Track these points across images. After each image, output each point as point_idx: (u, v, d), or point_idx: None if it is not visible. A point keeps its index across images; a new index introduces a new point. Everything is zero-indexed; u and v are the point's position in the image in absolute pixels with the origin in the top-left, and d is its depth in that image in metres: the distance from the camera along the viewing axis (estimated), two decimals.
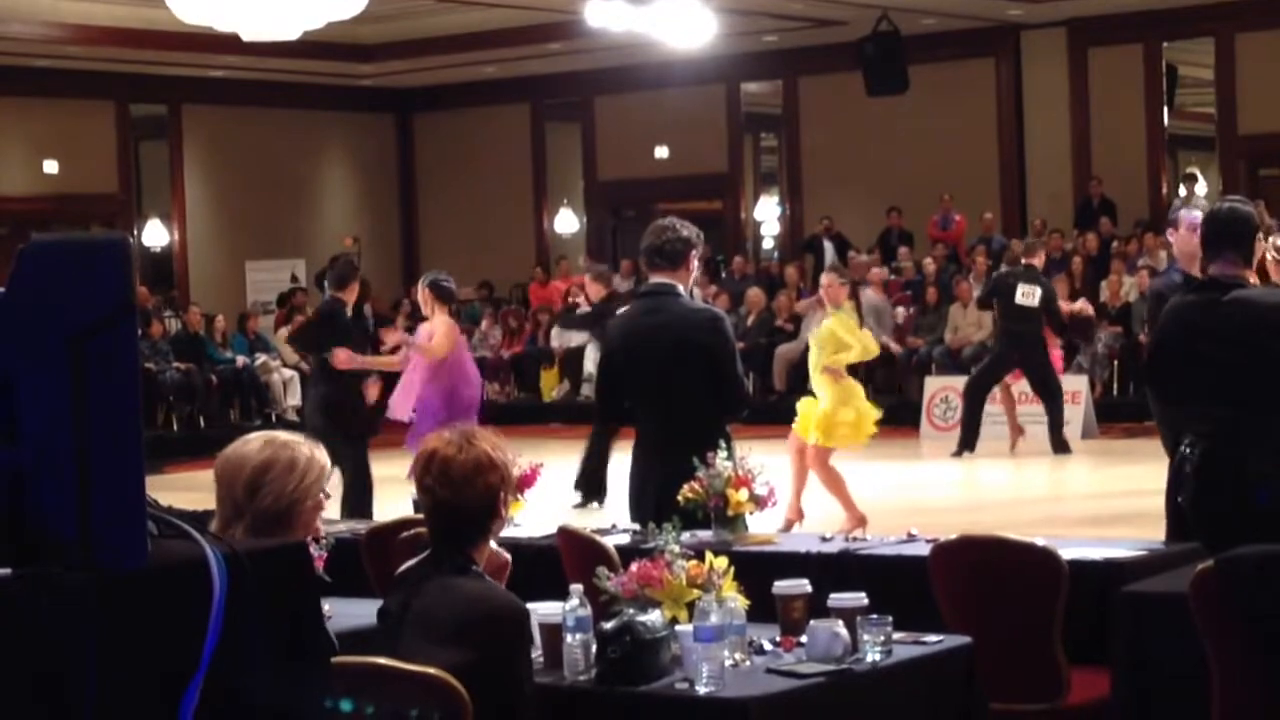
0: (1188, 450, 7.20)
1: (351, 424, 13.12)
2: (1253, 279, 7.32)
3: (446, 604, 4.71)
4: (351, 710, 3.32)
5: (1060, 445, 18.77)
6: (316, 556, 6.12)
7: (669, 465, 7.54)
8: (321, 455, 4.84)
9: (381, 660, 4.65)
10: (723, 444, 7.60)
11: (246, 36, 19.16)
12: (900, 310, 24.55)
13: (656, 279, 8.08)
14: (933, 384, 21.97)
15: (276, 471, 4.72)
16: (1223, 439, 7.05)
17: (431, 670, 4.54)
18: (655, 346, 7.90)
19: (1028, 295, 18.20)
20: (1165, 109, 26.33)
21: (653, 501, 7.61)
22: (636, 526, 7.71)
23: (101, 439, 3.29)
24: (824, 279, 14.09)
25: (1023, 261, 18.61)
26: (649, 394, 7.97)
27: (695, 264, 8.17)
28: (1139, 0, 24.43)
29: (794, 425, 13.21)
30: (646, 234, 8.16)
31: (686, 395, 7.85)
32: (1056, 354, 19.45)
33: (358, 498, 12.87)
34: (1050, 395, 18.75)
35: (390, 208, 31.86)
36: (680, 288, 8.03)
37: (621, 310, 9.20)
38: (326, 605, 5.77)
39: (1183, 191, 26.11)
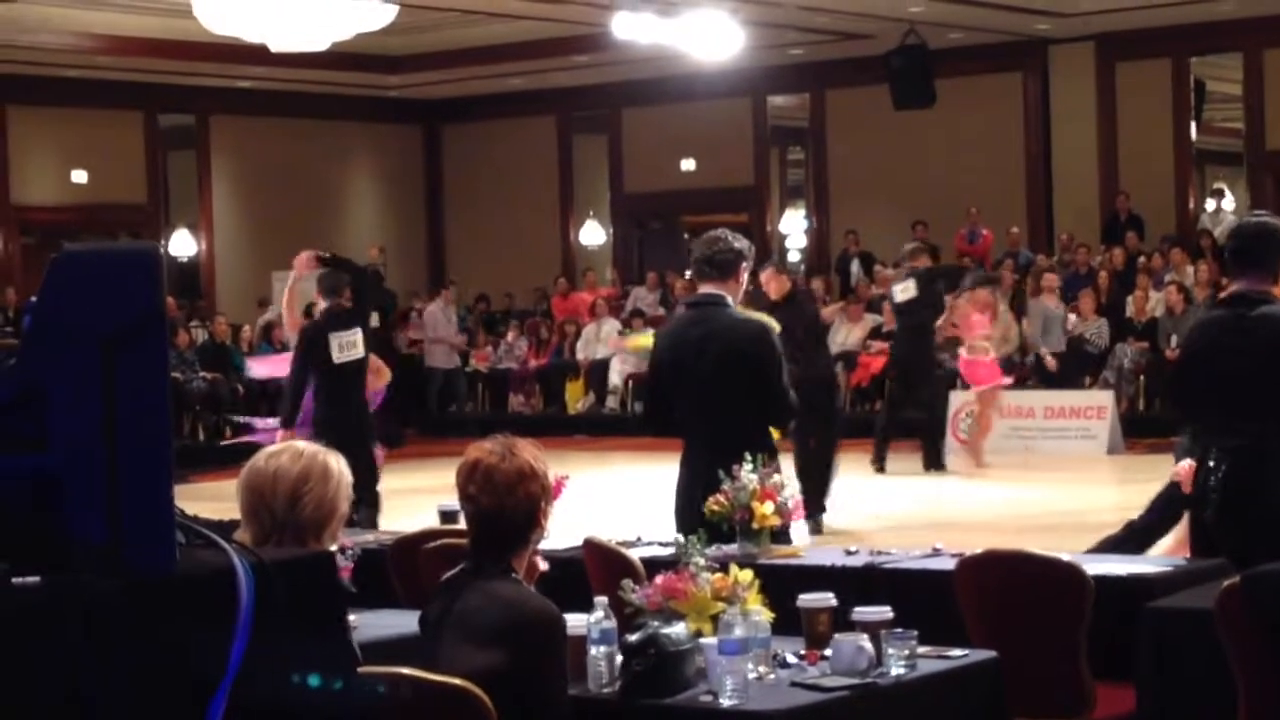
0: (1212, 465, 7.20)
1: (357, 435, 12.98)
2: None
3: (485, 608, 4.74)
4: (319, 685, 3.34)
5: (934, 462, 18.97)
6: (343, 567, 6.15)
7: (715, 477, 7.50)
8: (344, 465, 4.88)
9: (407, 670, 4.67)
10: (765, 456, 7.56)
11: (275, 47, 19.24)
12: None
13: (706, 289, 8.06)
14: (958, 398, 21.92)
15: (314, 480, 4.77)
16: (1248, 454, 7.04)
17: (457, 681, 4.55)
18: (702, 357, 7.89)
19: (905, 291, 18.75)
20: (1193, 124, 26.30)
21: (700, 513, 7.57)
22: (663, 538, 7.71)
23: (131, 447, 3.32)
24: (768, 273, 14.62)
25: (907, 265, 19.14)
26: (696, 405, 7.94)
27: (745, 276, 8.16)
28: (1167, 15, 24.40)
29: None
30: (698, 244, 8.15)
31: (733, 406, 7.82)
32: (985, 365, 19.54)
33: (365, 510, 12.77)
34: (928, 404, 19.15)
35: (416, 218, 31.91)
36: (729, 298, 8.01)
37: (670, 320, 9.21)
38: (353, 616, 5.80)
39: (1210, 206, 26.07)
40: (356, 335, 13.46)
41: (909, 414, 19.48)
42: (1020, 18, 24.51)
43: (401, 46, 26.85)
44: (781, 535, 7.67)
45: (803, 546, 7.56)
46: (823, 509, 14.65)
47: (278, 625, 3.42)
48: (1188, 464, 7.53)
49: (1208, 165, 27.61)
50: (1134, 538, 10.26)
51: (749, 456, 7.38)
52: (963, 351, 19.47)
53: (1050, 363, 22.10)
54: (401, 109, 30.76)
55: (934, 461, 19.17)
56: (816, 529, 14.28)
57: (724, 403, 7.84)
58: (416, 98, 30.34)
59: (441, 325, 26.83)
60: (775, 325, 8.23)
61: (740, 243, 8.09)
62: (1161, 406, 21.08)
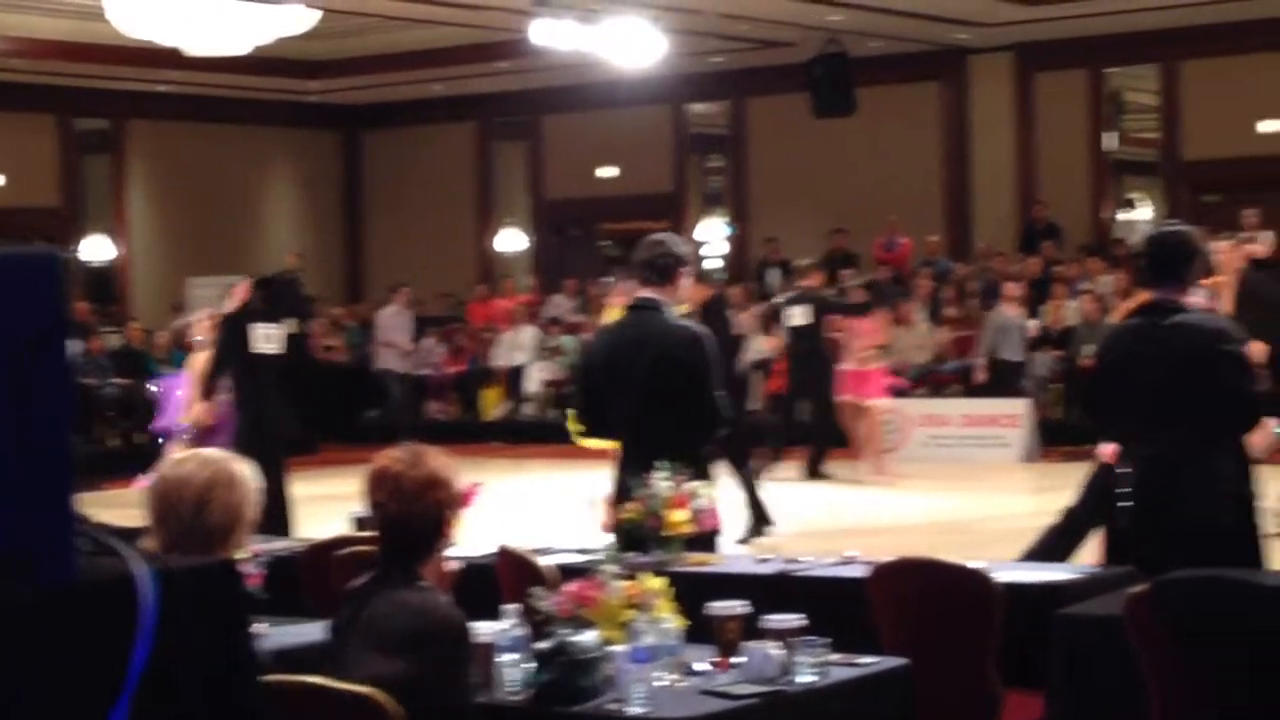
0: (1126, 473, 7.24)
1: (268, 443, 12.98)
2: (1193, 303, 7.37)
3: (392, 616, 4.74)
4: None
5: (815, 471, 19.10)
6: (253, 574, 6.11)
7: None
8: (252, 472, 4.87)
9: (314, 679, 4.64)
10: (686, 463, 7.56)
11: (192, 51, 19.11)
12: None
13: (644, 293, 8.04)
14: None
15: (220, 488, 4.76)
16: (1160, 461, 7.09)
17: (364, 689, 4.53)
18: (636, 362, 7.87)
19: (798, 317, 18.89)
20: (1110, 134, 26.47)
21: None
22: (576, 546, 7.70)
23: (33, 452, 3.28)
24: (623, 287, 14.73)
25: (798, 284, 19.22)
26: (628, 409, 7.93)
27: (685, 281, 8.15)
28: (1085, 26, 24.55)
29: None
30: (640, 248, 8.13)
31: (664, 412, 7.82)
32: (876, 376, 19.63)
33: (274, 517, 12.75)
34: (819, 416, 19.29)
35: (335, 225, 31.79)
36: (667, 304, 8.00)
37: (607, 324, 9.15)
38: (262, 624, 5.76)
39: (1125, 216, 26.24)
40: (275, 330, 13.54)
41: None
42: (940, 27, 24.62)
43: (322, 52, 26.74)
44: (706, 543, 7.66)
45: (716, 555, 7.53)
46: (757, 519, 14.64)
47: (182, 633, 3.40)
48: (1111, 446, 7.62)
49: (1124, 175, 27.78)
50: (1075, 526, 10.33)
51: (661, 464, 7.38)
52: (850, 363, 19.43)
53: (980, 376, 22.07)
54: (321, 114, 30.63)
55: (816, 470, 19.30)
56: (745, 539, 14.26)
57: (656, 408, 7.83)
58: (336, 103, 30.23)
59: (395, 330, 26.44)
60: (708, 333, 8.20)
61: (682, 248, 8.08)
62: (1076, 414, 21.18)
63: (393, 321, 26.61)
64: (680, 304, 8.23)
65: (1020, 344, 22.17)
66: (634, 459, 7.72)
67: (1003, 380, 21.96)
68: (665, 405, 7.82)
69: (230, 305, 13.87)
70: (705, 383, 7.86)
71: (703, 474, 7.75)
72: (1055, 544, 10.44)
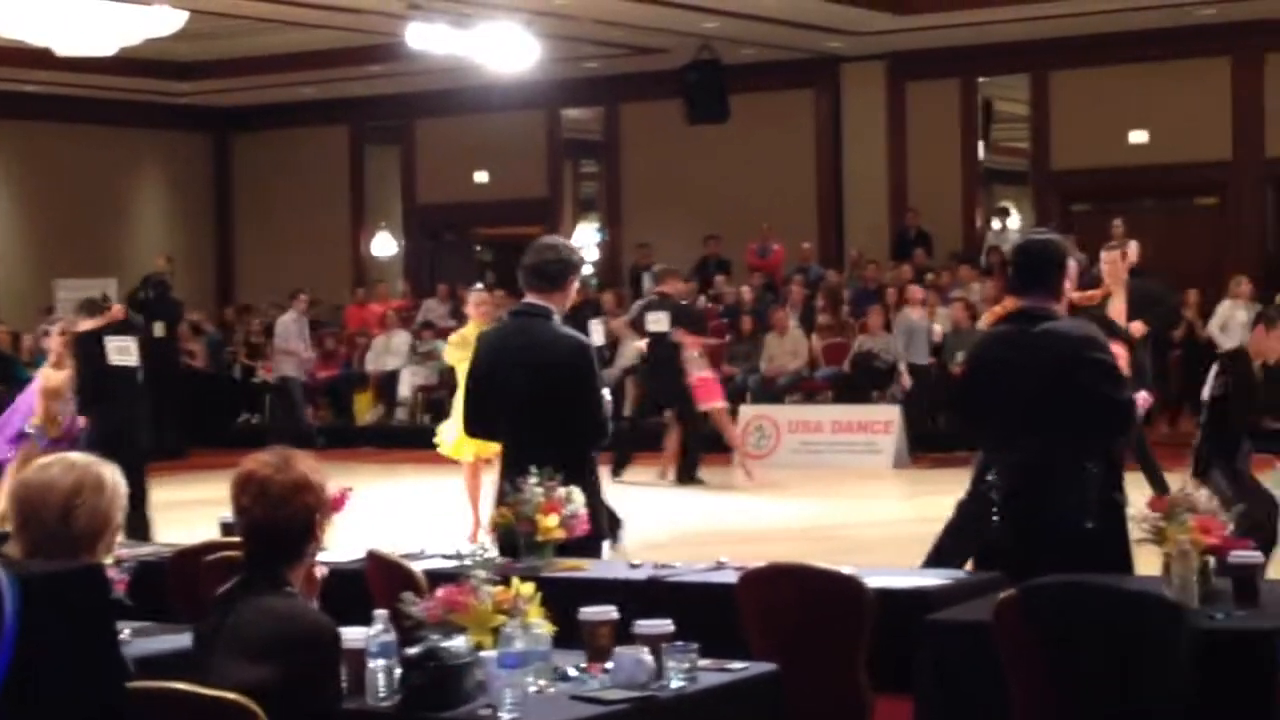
0: (995, 480, 7.29)
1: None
2: (1061, 310, 7.44)
3: (257, 622, 4.67)
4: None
5: (688, 476, 19.17)
6: (119, 579, 6.04)
7: None
8: (119, 476, 4.81)
9: (179, 685, 4.59)
10: (557, 469, 7.55)
11: (61, 51, 18.91)
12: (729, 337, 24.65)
13: (531, 299, 7.98)
14: (747, 412, 22.10)
15: (87, 492, 4.70)
16: (1029, 468, 7.14)
17: (230, 695, 4.48)
18: (519, 369, 7.82)
19: (657, 323, 18.93)
20: (981, 143, 26.70)
21: None
22: (446, 551, 7.67)
23: None
24: (475, 298, 14.82)
25: (656, 290, 19.30)
26: (511, 416, 7.89)
27: (573, 288, 8.10)
28: (956, 36, 24.74)
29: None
30: (529, 251, 8.03)
31: (546, 420, 7.77)
32: (707, 379, 19.71)
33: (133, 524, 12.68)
34: (684, 422, 19.27)
35: (206, 227, 31.55)
36: (554, 310, 7.94)
37: (492, 327, 9.07)
38: (127, 629, 5.70)
39: (996, 225, 26.47)
40: (131, 342, 13.56)
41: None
42: (812, 35, 24.73)
43: (192, 53, 26.53)
44: (589, 548, 7.65)
45: (587, 560, 7.52)
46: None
47: (45, 638, 3.35)
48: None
49: (994, 184, 28.03)
50: (966, 521, 10.40)
51: (533, 469, 7.37)
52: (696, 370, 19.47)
53: (906, 381, 22.07)
54: (191, 116, 30.38)
55: (688, 476, 19.33)
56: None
57: (538, 416, 7.79)
58: (207, 105, 29.99)
59: (292, 336, 26.09)
60: (594, 341, 8.14)
61: (571, 253, 8.01)
62: (946, 421, 21.34)
63: (291, 328, 26.12)
64: (565, 310, 8.19)
65: (927, 347, 22.29)
66: (516, 465, 7.67)
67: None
68: (547, 413, 7.78)
69: (86, 324, 13.80)
70: (590, 392, 7.82)
71: (585, 481, 7.73)
72: (953, 542, 10.50)
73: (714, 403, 19.56)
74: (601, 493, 8.13)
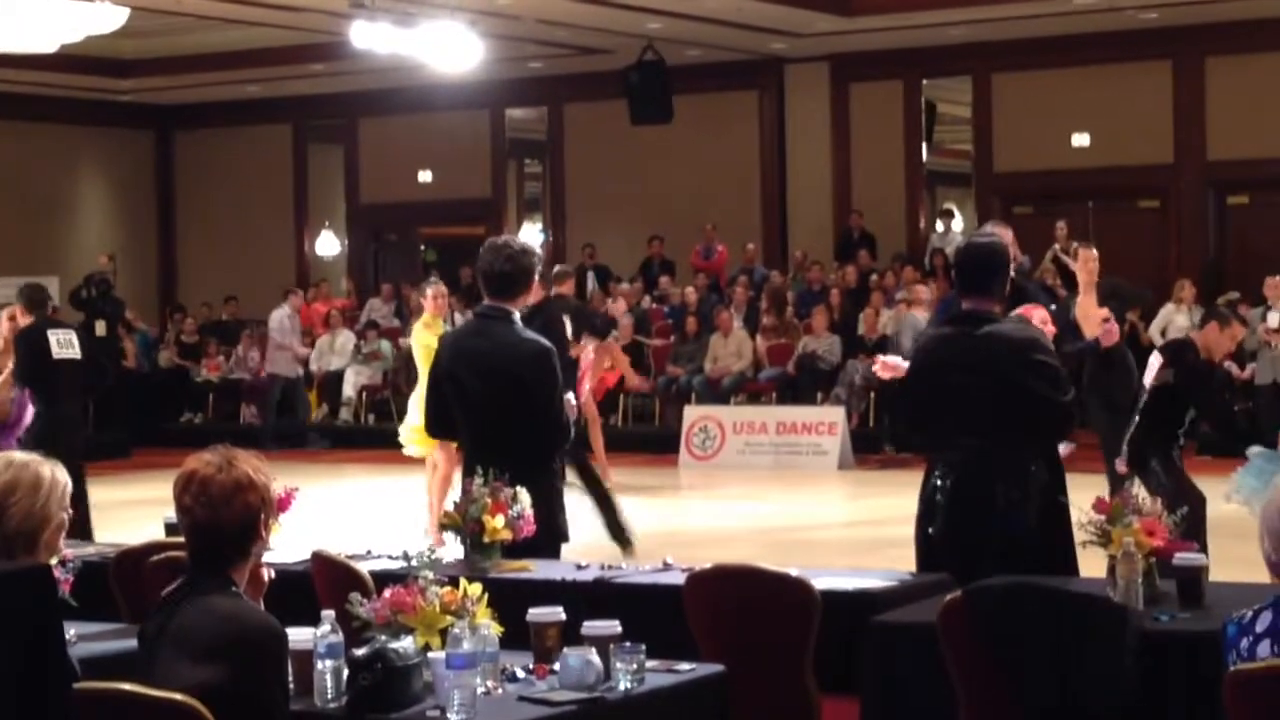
0: (938, 481, 7.31)
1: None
2: (1001, 312, 7.48)
3: (202, 623, 4.63)
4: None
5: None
6: (63, 580, 6.00)
7: None
8: (62, 473, 4.77)
9: (125, 686, 4.56)
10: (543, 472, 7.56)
11: (1, 48, 18.80)
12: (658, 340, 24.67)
13: (493, 302, 7.94)
14: (692, 413, 22.13)
15: (22, 492, 4.66)
16: (972, 470, 7.17)
17: (178, 696, 4.46)
18: (478, 371, 7.78)
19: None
20: (924, 145, 26.78)
21: None
22: (393, 552, 7.65)
23: None
24: (433, 290, 14.85)
25: (554, 293, 19.31)
26: (471, 418, 7.85)
27: (532, 289, 8.04)
28: (899, 38, 24.82)
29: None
30: (481, 254, 7.92)
31: (505, 423, 7.73)
32: (605, 374, 19.72)
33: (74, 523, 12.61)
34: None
35: (148, 226, 31.41)
36: (515, 313, 7.89)
37: (454, 328, 8.99)
38: (71, 630, 5.66)
39: (940, 227, 26.56)
40: (72, 336, 13.60)
41: None
42: (756, 37, 24.77)
43: (133, 50, 26.42)
44: (548, 550, 7.64)
45: (534, 561, 7.51)
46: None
47: None
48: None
49: (938, 186, 28.12)
50: None
51: (478, 470, 7.37)
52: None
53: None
54: (133, 114, 30.24)
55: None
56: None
57: (497, 419, 7.75)
58: (148, 103, 29.86)
59: (287, 333, 25.83)
60: (552, 345, 8.08)
61: (524, 258, 7.89)
62: (890, 422, 21.40)
63: (286, 325, 25.79)
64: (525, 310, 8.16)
65: None
66: (475, 467, 7.64)
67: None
68: (506, 416, 7.74)
69: (22, 321, 13.73)
70: (550, 397, 7.76)
71: (546, 484, 7.72)
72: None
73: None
74: (562, 496, 8.09)
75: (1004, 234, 7.99)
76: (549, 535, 7.72)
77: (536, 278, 8.02)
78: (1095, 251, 11.02)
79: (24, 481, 4.67)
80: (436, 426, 8.35)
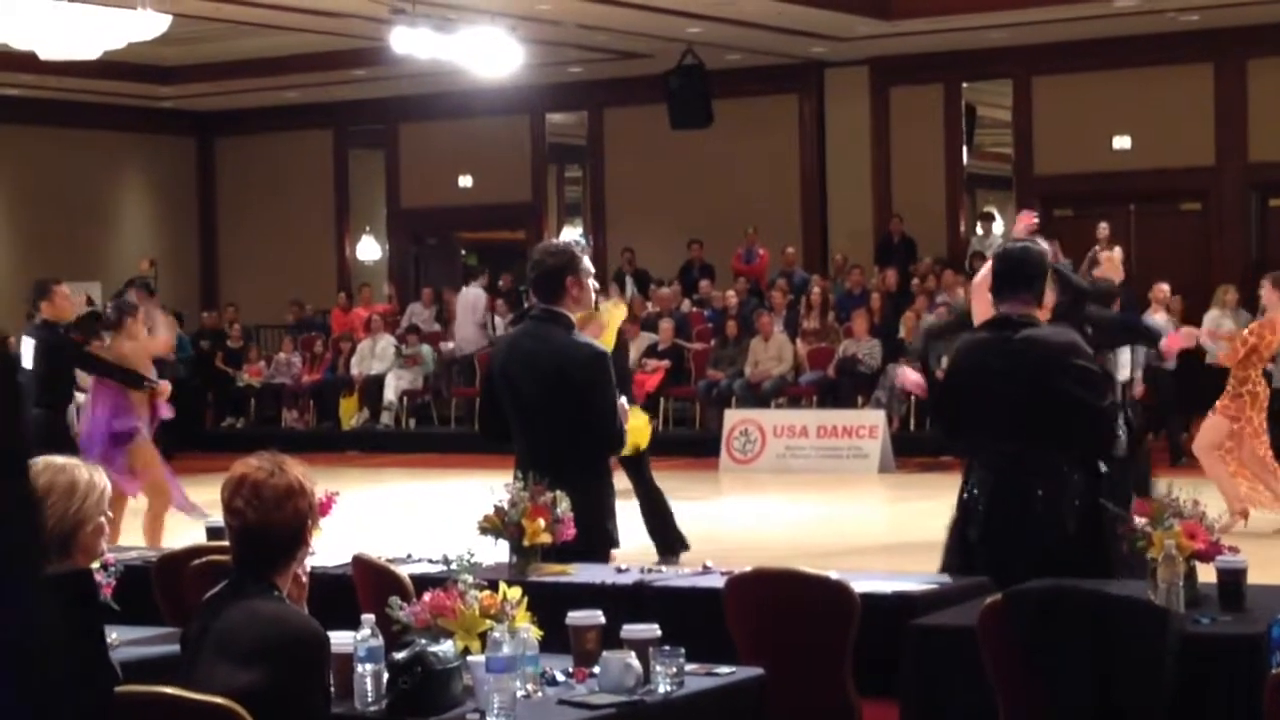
0: (976, 487, 7.30)
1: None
2: (1043, 317, 7.46)
3: (245, 626, 4.65)
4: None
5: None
6: (104, 584, 6.04)
7: None
8: (100, 477, 4.79)
9: (167, 689, 4.58)
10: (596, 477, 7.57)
11: (45, 55, 18.89)
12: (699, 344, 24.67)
13: (543, 305, 7.87)
14: (732, 417, 22.11)
15: (57, 495, 4.69)
16: (1011, 475, 7.15)
17: (219, 700, 4.48)
18: (531, 374, 7.77)
19: None
20: (964, 148, 26.73)
21: None
22: (433, 555, 7.65)
23: None
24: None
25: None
26: (522, 421, 7.83)
27: (580, 287, 7.88)
28: (940, 41, 24.77)
29: None
30: (534, 254, 7.93)
31: (556, 426, 7.71)
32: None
33: None
34: None
35: (189, 231, 31.52)
36: (570, 316, 7.82)
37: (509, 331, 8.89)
38: (113, 634, 5.69)
39: (980, 230, 26.50)
40: (30, 345, 13.99)
41: None
42: (796, 40, 24.75)
43: (175, 57, 26.50)
44: (596, 555, 7.62)
45: (574, 565, 7.51)
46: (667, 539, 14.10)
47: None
48: None
49: (978, 189, 28.05)
50: None
51: (533, 473, 7.36)
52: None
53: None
54: (174, 120, 30.36)
55: None
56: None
57: (549, 423, 7.72)
58: (190, 109, 29.98)
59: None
60: (606, 349, 8.05)
61: (555, 257, 7.80)
62: (931, 426, 21.35)
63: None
64: (580, 314, 8.14)
65: None
66: (526, 470, 7.62)
67: None
68: (558, 421, 7.72)
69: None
70: (600, 402, 7.71)
71: (598, 488, 7.71)
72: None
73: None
74: (613, 500, 8.01)
75: (1042, 242, 7.99)
76: (600, 540, 7.70)
77: (575, 275, 7.88)
78: (1120, 251, 10.97)
79: (59, 485, 4.70)
80: (488, 429, 8.27)
